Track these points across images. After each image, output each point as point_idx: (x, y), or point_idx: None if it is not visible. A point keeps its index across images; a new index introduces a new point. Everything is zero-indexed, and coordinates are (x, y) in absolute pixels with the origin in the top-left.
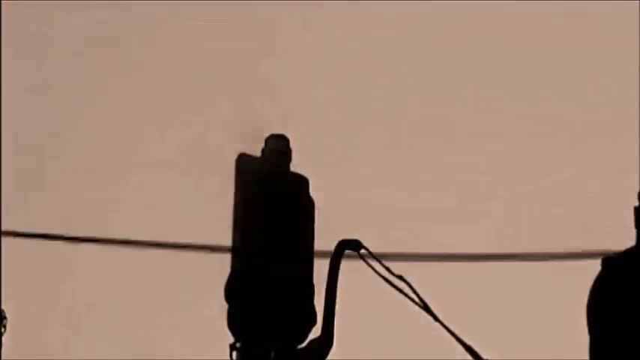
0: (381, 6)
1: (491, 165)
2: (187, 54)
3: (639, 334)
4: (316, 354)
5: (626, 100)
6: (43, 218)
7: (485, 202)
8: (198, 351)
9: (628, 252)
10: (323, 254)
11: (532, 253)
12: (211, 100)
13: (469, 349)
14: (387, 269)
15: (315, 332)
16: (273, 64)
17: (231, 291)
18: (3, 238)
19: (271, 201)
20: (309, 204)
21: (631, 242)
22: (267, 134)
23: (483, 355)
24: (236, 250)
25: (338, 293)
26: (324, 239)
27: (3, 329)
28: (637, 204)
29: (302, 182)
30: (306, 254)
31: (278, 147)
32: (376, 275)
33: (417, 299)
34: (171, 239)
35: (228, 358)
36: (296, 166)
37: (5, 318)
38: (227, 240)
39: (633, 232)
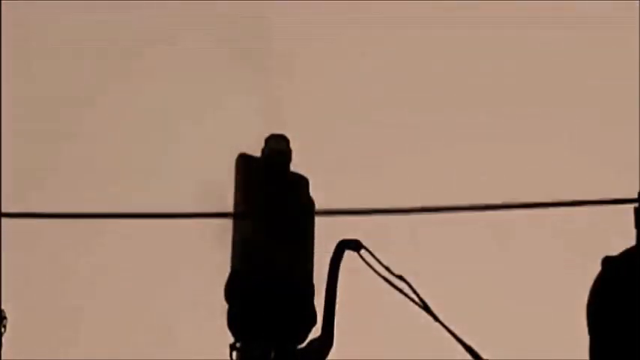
0: (382, 6)
1: (490, 165)
2: (188, 54)
3: (639, 334)
4: (316, 354)
5: (626, 99)
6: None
7: (484, 201)
8: (199, 351)
9: (628, 252)
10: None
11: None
12: (211, 100)
13: (469, 349)
14: (387, 269)
15: (315, 332)
16: (274, 64)
17: (231, 291)
18: (4, 239)
19: (271, 201)
20: (309, 204)
21: (631, 242)
22: (267, 134)
23: (483, 355)
24: (236, 251)
25: (338, 293)
26: (324, 239)
27: (3, 329)
28: (637, 204)
29: (302, 182)
30: (306, 254)
31: (278, 147)
32: (376, 275)
33: (417, 299)
34: (170, 244)
35: (228, 358)
36: (296, 166)
37: (5, 318)
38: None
39: (633, 232)
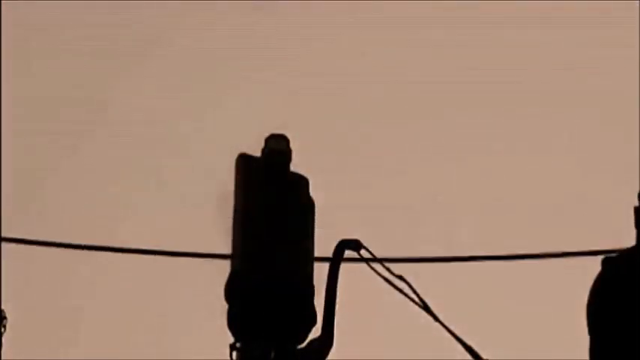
0: (382, 6)
1: (490, 165)
2: (189, 54)
3: (639, 334)
4: (316, 354)
5: (626, 100)
6: (43, 223)
7: (486, 202)
8: (199, 351)
9: (628, 252)
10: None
11: (531, 255)
12: (213, 100)
13: (469, 349)
14: (387, 269)
15: (315, 332)
16: (274, 64)
17: (231, 291)
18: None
19: (271, 201)
20: (309, 204)
21: (631, 242)
22: (267, 134)
23: (483, 355)
24: (236, 251)
25: (338, 293)
26: (324, 239)
27: (3, 329)
28: (637, 204)
29: (302, 182)
30: (306, 254)
31: (278, 147)
32: (376, 275)
33: (417, 299)
34: (171, 244)
35: (228, 358)
36: (296, 166)
37: (5, 318)
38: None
39: (633, 232)
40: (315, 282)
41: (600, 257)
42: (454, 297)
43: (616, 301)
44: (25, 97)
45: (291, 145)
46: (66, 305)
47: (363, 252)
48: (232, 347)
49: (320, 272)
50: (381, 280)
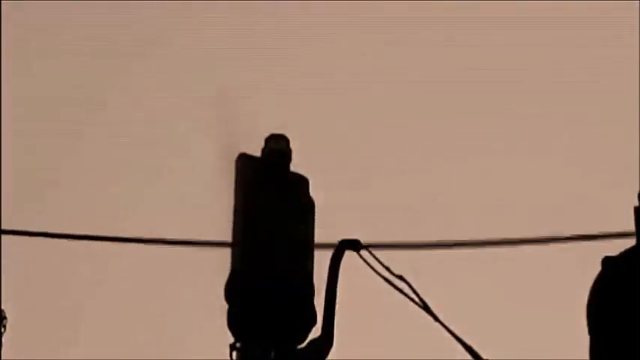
0: (381, 6)
1: (490, 165)
2: (189, 54)
3: (639, 334)
4: (316, 354)
5: (626, 100)
6: (43, 223)
7: (486, 202)
8: (199, 351)
9: (628, 252)
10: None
11: (532, 239)
12: (213, 100)
13: (469, 349)
14: (387, 269)
15: (315, 332)
16: (274, 64)
17: (231, 291)
18: (3, 240)
19: (271, 201)
20: (309, 204)
21: (631, 242)
22: (267, 134)
23: (483, 355)
24: (236, 250)
25: (338, 293)
26: (324, 239)
27: (3, 329)
28: (637, 204)
29: (302, 182)
30: (306, 254)
31: (278, 147)
32: (376, 275)
33: (417, 299)
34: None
35: (228, 358)
36: (296, 166)
37: (5, 318)
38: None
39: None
40: (315, 282)
41: (599, 258)
42: (454, 297)
43: (616, 301)
44: (25, 97)
45: (291, 145)
46: (66, 305)
47: (363, 252)
48: (232, 347)
49: (320, 272)
50: (381, 280)
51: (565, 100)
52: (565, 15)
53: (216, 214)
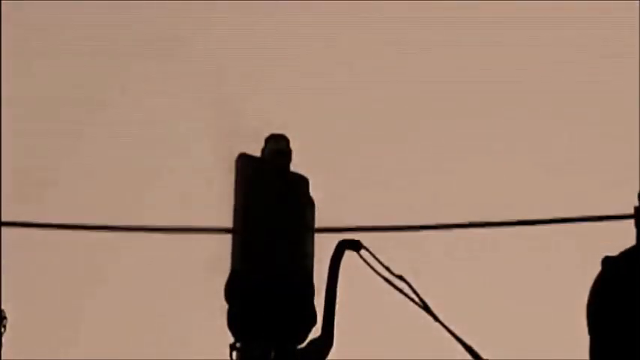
0: (381, 6)
1: (490, 165)
2: (189, 54)
3: (639, 334)
4: (316, 354)
5: (626, 99)
6: (44, 218)
7: (486, 202)
8: (199, 351)
9: (628, 252)
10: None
11: (528, 221)
12: (213, 100)
13: (469, 349)
14: (387, 269)
15: (315, 332)
16: (274, 64)
17: (231, 291)
18: (3, 240)
19: (271, 201)
20: (309, 204)
21: (631, 242)
22: (267, 134)
23: (483, 355)
24: (236, 250)
25: (338, 293)
26: (324, 239)
27: (3, 329)
28: (637, 204)
29: (302, 182)
30: (307, 254)
31: (278, 147)
32: (376, 275)
33: (417, 299)
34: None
35: (228, 358)
36: (296, 166)
37: (5, 318)
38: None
39: (633, 232)
40: (315, 282)
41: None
42: (454, 297)
43: (616, 301)
44: (25, 97)
45: (291, 145)
46: (66, 305)
47: (363, 252)
48: (232, 347)
49: (320, 272)
50: (381, 280)
51: (565, 100)
52: (565, 15)
53: (216, 214)
